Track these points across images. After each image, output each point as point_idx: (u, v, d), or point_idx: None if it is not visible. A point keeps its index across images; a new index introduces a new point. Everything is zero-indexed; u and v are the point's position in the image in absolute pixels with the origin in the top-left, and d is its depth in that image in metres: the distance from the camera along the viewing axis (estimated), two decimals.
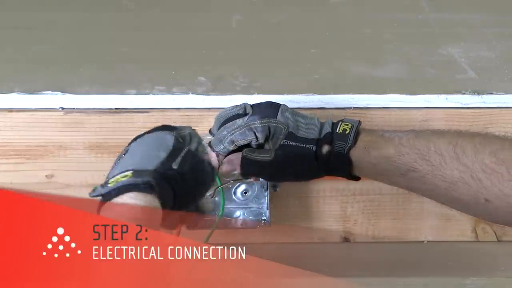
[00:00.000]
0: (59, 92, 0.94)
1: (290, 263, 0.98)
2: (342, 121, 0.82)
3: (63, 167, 0.96)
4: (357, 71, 1.02)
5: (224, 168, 0.85)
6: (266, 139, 0.82)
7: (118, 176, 0.69)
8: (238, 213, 0.98)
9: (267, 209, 0.96)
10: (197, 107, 0.94)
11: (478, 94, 0.95)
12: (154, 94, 0.94)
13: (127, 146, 0.78)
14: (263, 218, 0.95)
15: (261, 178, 0.90)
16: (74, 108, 0.94)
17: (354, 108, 0.98)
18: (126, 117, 0.94)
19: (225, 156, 0.84)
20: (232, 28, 1.17)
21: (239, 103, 0.84)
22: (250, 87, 0.97)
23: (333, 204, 0.99)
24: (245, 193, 0.98)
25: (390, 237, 1.01)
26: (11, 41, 1.12)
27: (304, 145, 0.80)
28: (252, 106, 0.83)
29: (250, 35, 1.14)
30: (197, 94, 0.95)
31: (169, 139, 0.76)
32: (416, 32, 1.15)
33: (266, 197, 0.96)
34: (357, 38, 1.13)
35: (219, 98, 0.94)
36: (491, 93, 0.95)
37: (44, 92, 0.94)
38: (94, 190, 0.70)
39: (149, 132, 0.79)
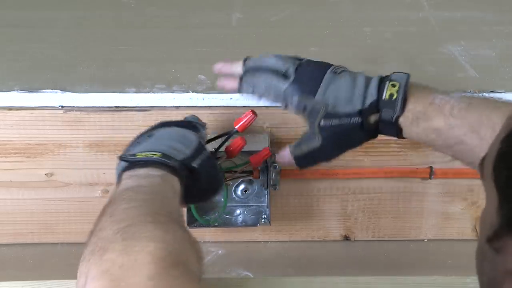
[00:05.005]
0: (58, 91, 0.94)
1: (291, 262, 0.98)
2: (390, 80, 0.77)
3: (62, 165, 0.96)
4: (357, 69, 1.02)
5: (279, 162, 0.86)
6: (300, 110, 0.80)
7: (147, 153, 0.73)
8: (238, 211, 0.98)
9: (268, 207, 0.95)
10: (197, 106, 0.94)
11: (479, 92, 0.95)
12: (154, 93, 0.94)
13: (151, 130, 0.81)
14: (263, 217, 0.95)
15: (319, 164, 0.86)
16: (73, 107, 0.94)
17: None
18: (126, 115, 0.94)
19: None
20: (232, 26, 1.17)
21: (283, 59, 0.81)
22: None
23: (333, 202, 0.99)
24: (245, 191, 0.98)
25: (390, 235, 1.01)
26: (11, 39, 1.12)
27: (349, 120, 0.77)
28: (296, 69, 0.79)
29: (250, 33, 1.14)
30: (197, 93, 0.94)
31: (193, 139, 0.79)
32: (416, 30, 1.15)
33: (266, 196, 0.96)
34: (357, 36, 1.13)
35: (219, 96, 0.94)
36: (492, 92, 0.95)
37: (44, 90, 0.94)
38: (122, 156, 0.74)
39: (175, 124, 0.82)
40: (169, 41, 1.12)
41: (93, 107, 0.94)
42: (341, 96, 0.77)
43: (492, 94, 0.94)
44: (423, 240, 1.02)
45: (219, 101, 0.94)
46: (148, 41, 1.12)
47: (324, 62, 0.81)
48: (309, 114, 0.79)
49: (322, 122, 0.77)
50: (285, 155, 0.82)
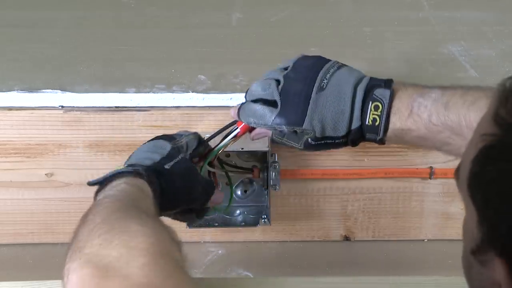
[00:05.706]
0: (58, 91, 0.94)
1: (291, 262, 0.98)
2: (372, 100, 0.78)
3: (62, 165, 0.96)
4: (357, 69, 1.02)
5: (254, 136, 0.86)
6: None
7: (114, 170, 0.75)
8: (238, 211, 0.98)
9: (268, 207, 0.95)
10: (197, 106, 0.94)
11: None
12: (154, 93, 0.94)
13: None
14: (263, 217, 0.95)
15: None
16: (73, 107, 0.94)
17: None
18: (126, 115, 0.94)
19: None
20: (232, 26, 1.17)
21: (267, 82, 0.82)
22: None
23: (333, 202, 0.99)
24: (246, 191, 0.98)
25: (390, 235, 1.01)
26: (11, 39, 1.12)
27: (333, 141, 0.80)
28: (280, 93, 0.80)
29: (250, 33, 1.14)
30: (197, 93, 0.94)
31: (166, 146, 0.80)
32: (416, 30, 1.15)
33: (266, 196, 0.96)
34: (357, 36, 1.13)
35: (219, 96, 0.94)
36: None
37: (44, 90, 0.94)
38: (89, 182, 0.76)
39: (150, 140, 0.84)
40: (169, 41, 1.12)
41: (93, 107, 0.94)
42: (327, 124, 0.79)
43: None
44: (423, 240, 1.02)
45: (219, 101, 0.94)
46: (148, 41, 1.12)
47: (312, 69, 0.81)
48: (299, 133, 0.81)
49: (309, 140, 0.80)
50: (262, 132, 0.84)
